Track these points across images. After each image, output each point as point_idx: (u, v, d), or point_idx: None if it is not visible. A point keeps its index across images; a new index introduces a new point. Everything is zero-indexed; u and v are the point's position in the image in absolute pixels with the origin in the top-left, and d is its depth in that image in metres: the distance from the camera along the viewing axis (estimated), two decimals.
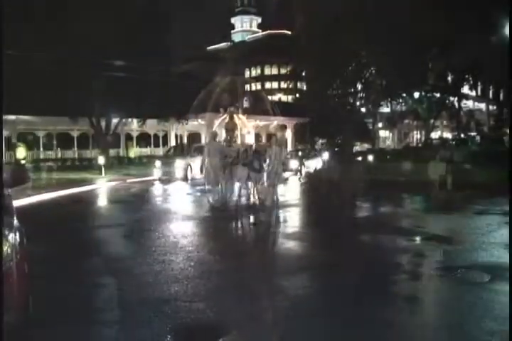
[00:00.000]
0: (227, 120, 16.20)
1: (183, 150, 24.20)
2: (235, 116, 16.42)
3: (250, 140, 17.24)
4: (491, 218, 10.14)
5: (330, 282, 5.72)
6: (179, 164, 21.40)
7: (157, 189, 18.46)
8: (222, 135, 15.91)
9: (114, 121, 30.73)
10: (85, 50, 23.87)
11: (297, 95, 59.17)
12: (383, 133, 59.29)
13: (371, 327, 4.25)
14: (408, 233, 8.62)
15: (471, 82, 49.57)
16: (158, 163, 22.18)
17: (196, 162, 21.72)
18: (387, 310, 4.70)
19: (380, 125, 53.99)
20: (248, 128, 18.17)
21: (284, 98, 69.45)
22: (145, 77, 27.77)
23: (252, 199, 12.50)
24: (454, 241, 7.88)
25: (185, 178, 21.13)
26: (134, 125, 35.52)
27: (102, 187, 18.52)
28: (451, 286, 5.38)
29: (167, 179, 20.90)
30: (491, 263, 6.33)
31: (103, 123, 30.00)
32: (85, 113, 28.03)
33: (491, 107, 66.25)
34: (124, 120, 31.91)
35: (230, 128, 15.42)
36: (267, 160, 11.56)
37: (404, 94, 36.68)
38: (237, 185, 11.92)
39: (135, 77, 26.47)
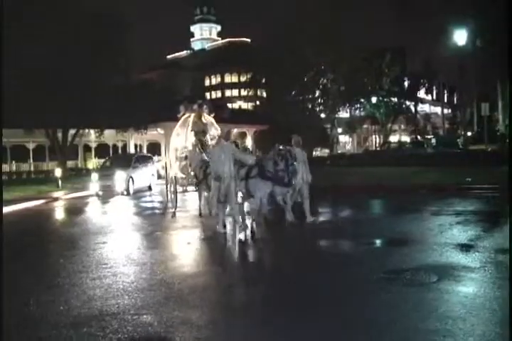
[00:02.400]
0: (193, 120, 13.37)
1: (123, 160, 21.96)
2: (203, 115, 13.52)
3: None
4: (443, 219, 10.35)
5: (283, 287, 5.73)
6: (120, 176, 19.31)
7: (107, 203, 17.22)
8: (187, 139, 13.03)
9: (72, 132, 30.09)
10: (40, 58, 23.35)
11: (257, 102, 59.49)
12: (343, 138, 60.11)
13: (318, 327, 4.27)
14: (364, 236, 8.71)
15: (427, 86, 50.99)
16: (94, 176, 19.70)
17: (138, 173, 20.29)
18: (335, 311, 4.73)
19: (339, 130, 54.74)
20: (218, 131, 14.00)
21: (244, 105, 69.62)
22: (104, 86, 27.37)
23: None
24: (408, 243, 8.00)
25: (127, 192, 19.29)
26: (92, 136, 34.90)
27: (57, 201, 18.03)
28: (400, 287, 5.46)
29: (106, 193, 18.95)
30: (440, 263, 6.45)
31: (59, 135, 29.34)
32: (41, 124, 27.30)
33: (446, 111, 68.07)
34: (81, 131, 31.29)
35: (199, 129, 12.81)
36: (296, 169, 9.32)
37: (362, 100, 37.44)
38: (254, 203, 9.33)
39: (93, 87, 26.05)
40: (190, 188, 12.95)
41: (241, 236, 8.94)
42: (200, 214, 11.69)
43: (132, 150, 38.80)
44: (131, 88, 29.89)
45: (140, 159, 21.83)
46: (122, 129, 32.56)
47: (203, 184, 11.18)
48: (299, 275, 6.29)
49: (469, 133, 41.12)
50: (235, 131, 38.40)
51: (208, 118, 13.67)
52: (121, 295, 5.43)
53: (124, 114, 27.38)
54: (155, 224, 11.45)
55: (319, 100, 37.75)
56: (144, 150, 40.96)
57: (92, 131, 32.74)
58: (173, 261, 7.46)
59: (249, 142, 40.78)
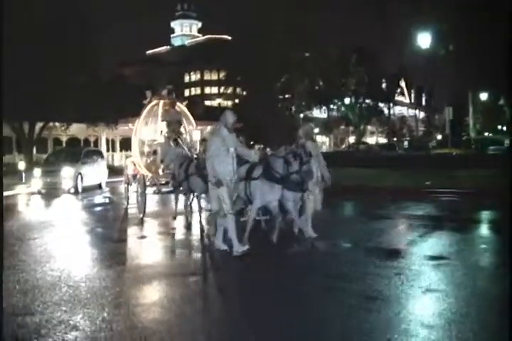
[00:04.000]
0: (163, 108, 11.40)
1: (71, 155, 20.01)
2: (176, 103, 11.48)
3: (196, 139, 11.95)
4: (388, 222, 10.21)
5: (179, 288, 5.58)
6: (67, 173, 17.60)
7: (53, 201, 15.71)
8: (157, 130, 11.34)
9: (40, 124, 29.50)
10: (8, 47, 22.77)
11: (236, 100, 59.21)
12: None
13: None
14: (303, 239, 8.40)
15: (402, 89, 51.20)
16: (37, 172, 17.79)
17: (88, 169, 18.66)
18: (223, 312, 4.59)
19: (316, 130, 54.75)
20: (193, 122, 12.07)
21: (224, 103, 69.23)
22: (72, 80, 26.86)
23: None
24: (340, 246, 7.86)
25: (75, 190, 17.63)
26: (62, 129, 34.28)
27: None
28: (300, 292, 5.36)
29: (50, 191, 17.39)
30: (357, 269, 6.34)
31: (26, 127, 28.74)
32: (6, 116, 26.62)
33: (423, 114, 68.59)
34: (51, 124, 30.70)
35: (173, 119, 10.99)
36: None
37: (336, 100, 37.54)
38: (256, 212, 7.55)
39: (60, 80, 25.56)
40: (164, 189, 11.07)
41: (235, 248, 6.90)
42: (175, 217, 10.03)
43: (104, 145, 38.42)
44: (102, 83, 29.45)
45: (90, 154, 20.09)
46: (92, 124, 32.12)
47: (184, 186, 9.52)
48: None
49: (440, 137, 41.57)
50: (209, 128, 38.46)
51: (181, 107, 11.82)
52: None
53: (93, 109, 26.99)
54: (102, 221, 11.01)
55: (295, 100, 37.79)
56: (117, 145, 40.54)
57: (58, 125, 32.15)
58: (94, 260, 7.22)
59: None
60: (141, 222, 10.31)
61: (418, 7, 28.42)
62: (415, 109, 47.03)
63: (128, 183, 12.54)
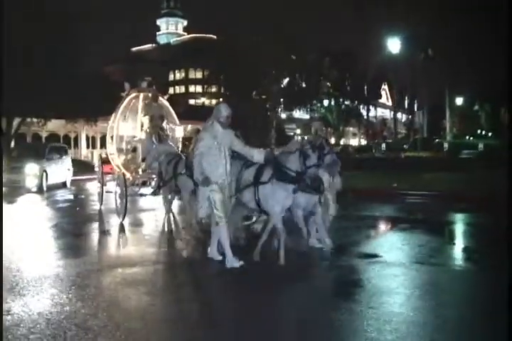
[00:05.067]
0: (144, 102, 10.44)
1: (34, 151, 18.71)
2: (158, 96, 10.60)
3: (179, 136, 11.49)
4: (340, 223, 10.39)
5: (121, 279, 5.88)
6: (31, 170, 16.51)
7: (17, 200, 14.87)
8: (137, 125, 10.48)
9: (18, 120, 29.46)
10: None
11: (221, 99, 59.25)
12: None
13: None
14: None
15: (385, 91, 51.80)
16: None
17: (53, 166, 17.74)
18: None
19: (298, 131, 55.32)
20: (175, 118, 11.38)
21: (208, 102, 69.20)
22: (55, 75, 26.85)
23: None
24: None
25: (39, 188, 16.60)
26: (40, 125, 34.27)
27: None
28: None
29: (11, 189, 16.08)
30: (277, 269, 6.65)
31: (3, 122, 28.67)
32: None
33: (406, 116, 69.24)
34: (30, 119, 30.68)
35: (156, 114, 10.07)
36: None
37: (315, 101, 37.95)
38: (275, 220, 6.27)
39: (44, 76, 25.54)
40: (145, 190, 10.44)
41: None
42: (170, 230, 9.03)
43: (84, 141, 38.52)
44: (82, 78, 29.44)
45: (55, 150, 19.04)
46: (71, 120, 32.14)
47: (170, 185, 8.73)
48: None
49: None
50: (189, 127, 38.55)
51: (163, 101, 11.05)
52: None
53: (71, 104, 26.98)
54: (67, 218, 11.11)
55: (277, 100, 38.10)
56: (98, 142, 40.52)
57: (42, 120, 32.15)
58: (48, 253, 7.48)
59: None
60: (120, 226, 9.53)
61: (397, 12, 29.02)
62: (394, 111, 47.78)
63: (102, 183, 11.58)
